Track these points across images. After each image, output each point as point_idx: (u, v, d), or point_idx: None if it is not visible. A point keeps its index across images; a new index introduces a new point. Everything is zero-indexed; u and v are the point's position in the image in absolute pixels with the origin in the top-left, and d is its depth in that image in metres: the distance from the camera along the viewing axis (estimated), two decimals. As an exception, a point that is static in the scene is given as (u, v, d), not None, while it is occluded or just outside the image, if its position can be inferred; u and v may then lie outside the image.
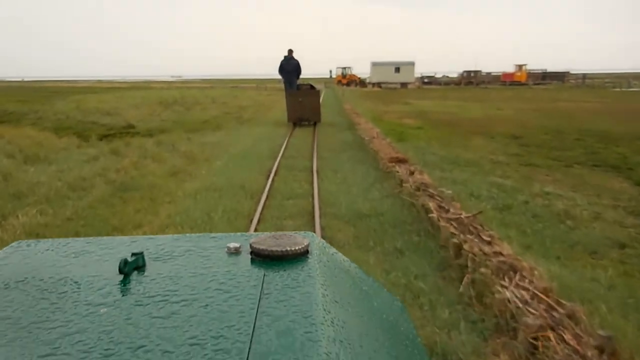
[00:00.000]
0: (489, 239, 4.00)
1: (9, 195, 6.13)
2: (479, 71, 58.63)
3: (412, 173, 6.57)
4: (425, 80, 59.91)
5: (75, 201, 5.98)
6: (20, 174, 7.33)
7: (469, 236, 4.07)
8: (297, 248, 0.79)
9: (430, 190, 5.57)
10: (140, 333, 0.57)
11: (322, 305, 0.64)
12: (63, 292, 0.68)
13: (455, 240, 3.97)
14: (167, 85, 70.39)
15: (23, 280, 0.72)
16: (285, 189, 6.27)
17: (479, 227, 4.33)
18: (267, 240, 0.82)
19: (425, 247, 4.28)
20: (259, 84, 57.90)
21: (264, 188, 6.20)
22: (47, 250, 0.87)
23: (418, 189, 5.69)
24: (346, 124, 14.57)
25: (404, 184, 6.10)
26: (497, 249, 3.68)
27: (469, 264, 3.50)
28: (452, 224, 4.41)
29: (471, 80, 55.84)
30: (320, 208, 5.35)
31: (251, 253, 0.81)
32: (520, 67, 55.21)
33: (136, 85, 71.66)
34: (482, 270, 3.30)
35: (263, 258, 0.79)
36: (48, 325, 0.59)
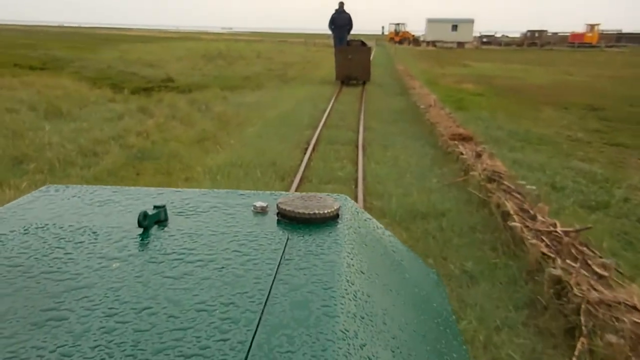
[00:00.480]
0: (602, 271, 2.82)
1: (10, 158, 5.39)
2: (545, 31, 54.25)
3: (479, 155, 5.32)
4: (484, 40, 56.10)
5: (80, 170, 5.17)
6: (33, 132, 6.61)
7: (570, 263, 2.90)
8: (326, 211, 0.74)
9: (506, 184, 4.36)
10: (148, 293, 0.55)
11: (345, 276, 0.61)
12: (79, 242, 0.67)
13: (552, 270, 2.82)
14: (216, 37, 69.56)
15: (43, 227, 0.72)
16: (324, 170, 5.20)
17: (583, 248, 3.14)
18: (296, 201, 0.77)
19: (506, 272, 3.15)
20: (308, 39, 55.98)
21: (299, 167, 5.16)
22: (74, 196, 0.87)
23: (490, 180, 4.49)
24: (398, 87, 13.15)
25: (470, 171, 4.90)
26: (621, 293, 2.51)
27: (582, 318, 2.36)
28: (543, 240, 3.24)
29: (535, 41, 51.76)
30: (364, 200, 4.27)
31: (277, 214, 0.77)
32: (592, 27, 50.56)
33: (185, 36, 71.31)
34: (609, 337, 2.16)
35: (289, 220, 0.75)
36: (57, 277, 0.58)
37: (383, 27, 63.80)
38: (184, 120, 7.99)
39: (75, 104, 9.30)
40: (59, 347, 0.46)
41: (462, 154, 5.48)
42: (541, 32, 53.83)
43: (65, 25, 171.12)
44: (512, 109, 10.75)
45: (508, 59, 31.40)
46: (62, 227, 0.72)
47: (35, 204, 0.83)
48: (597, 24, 50.61)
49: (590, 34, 50.21)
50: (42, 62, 20.58)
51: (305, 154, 5.72)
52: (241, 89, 13.31)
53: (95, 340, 0.47)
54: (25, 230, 0.71)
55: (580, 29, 52.03)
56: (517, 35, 64.82)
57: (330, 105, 9.56)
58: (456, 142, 5.96)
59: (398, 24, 56.63)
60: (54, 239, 0.68)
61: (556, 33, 56.87)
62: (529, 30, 54.55)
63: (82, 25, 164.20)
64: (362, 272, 0.66)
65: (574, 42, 49.91)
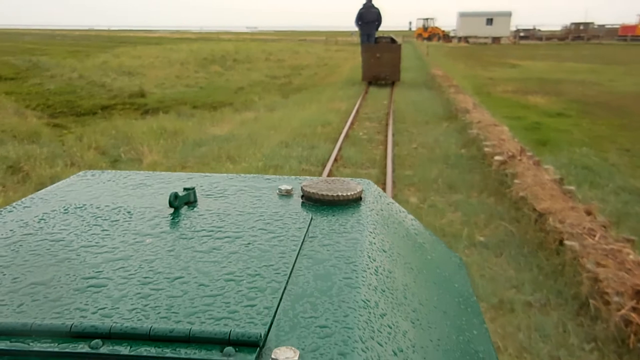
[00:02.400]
0: None
1: None
2: (591, 23, 49.17)
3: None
4: (522, 34, 51.22)
5: None
6: None
7: None
8: (349, 194, 0.76)
9: None
10: (179, 265, 0.58)
11: (367, 252, 0.62)
12: (115, 221, 0.70)
13: None
14: (235, 37, 66.68)
15: (81, 207, 0.75)
16: None
17: None
18: (320, 184, 0.79)
19: None
20: (329, 37, 52.24)
21: None
22: (109, 180, 0.91)
23: None
24: (442, 106, 9.32)
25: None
26: None
27: None
28: None
29: (580, 34, 46.80)
30: None
31: (302, 196, 0.79)
32: (645, 18, 45.22)
33: (204, 37, 68.92)
34: None
35: (314, 202, 0.77)
36: (96, 250, 0.61)
37: (410, 23, 59.62)
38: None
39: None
40: (99, 309, 0.50)
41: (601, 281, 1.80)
42: (587, 24, 48.77)
43: (95, 28, 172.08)
44: (623, 142, 6.88)
45: (559, 55, 27.06)
46: (98, 207, 0.75)
47: (74, 187, 0.87)
48: (652, 14, 45.38)
49: (643, 26, 44.96)
50: (15, 71, 17.74)
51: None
52: (221, 109, 9.75)
53: (132, 304, 0.50)
54: (65, 210, 0.74)
55: (630, 20, 46.72)
56: (557, 28, 59.60)
57: (338, 148, 5.87)
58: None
59: (427, 19, 52.22)
60: (92, 217, 0.72)
61: (603, 25, 51.59)
62: (572, 23, 49.56)
63: (112, 29, 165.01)
64: (384, 250, 0.67)
65: (625, 35, 44.70)
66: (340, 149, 5.85)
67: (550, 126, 7.80)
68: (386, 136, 6.63)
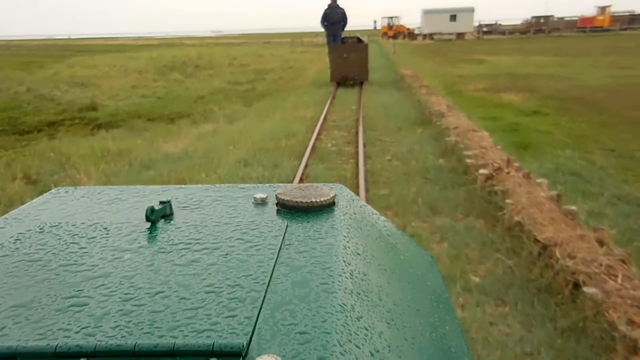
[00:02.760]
0: None
1: None
2: (551, 16, 49.98)
3: None
4: (485, 29, 51.68)
5: None
6: None
7: None
8: (322, 199, 0.77)
9: None
10: (160, 279, 0.58)
11: (342, 257, 0.64)
12: (92, 238, 0.70)
13: None
14: (200, 42, 65.33)
15: (57, 225, 0.75)
16: None
17: None
18: (293, 191, 0.80)
19: None
20: (295, 39, 51.58)
21: None
22: (83, 197, 0.90)
23: None
24: (413, 109, 8.81)
25: None
26: None
27: None
28: None
29: (541, 27, 47.48)
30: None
31: (277, 204, 0.79)
32: (602, 9, 46.25)
33: (168, 42, 67.38)
34: None
35: (288, 209, 0.77)
36: (75, 269, 0.61)
37: (375, 22, 59.43)
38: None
39: None
40: (82, 328, 0.50)
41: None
42: (547, 17, 49.54)
43: (55, 37, 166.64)
44: (606, 141, 6.51)
45: (523, 49, 27.14)
46: (74, 225, 0.75)
47: (47, 205, 0.86)
48: (608, 6, 46.28)
49: (601, 17, 45.83)
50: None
51: None
52: (178, 121, 9.03)
53: (115, 322, 0.50)
54: (40, 229, 0.74)
55: (586, 12, 47.71)
56: (518, 22, 60.57)
57: (304, 165, 5.25)
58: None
59: (391, 18, 52.13)
60: (68, 235, 0.71)
61: (562, 18, 52.53)
62: (533, 17, 50.24)
63: (72, 37, 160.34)
64: (358, 253, 0.68)
65: (584, 27, 45.52)
66: (306, 166, 5.23)
67: (528, 126, 7.37)
68: (357, 147, 6.06)
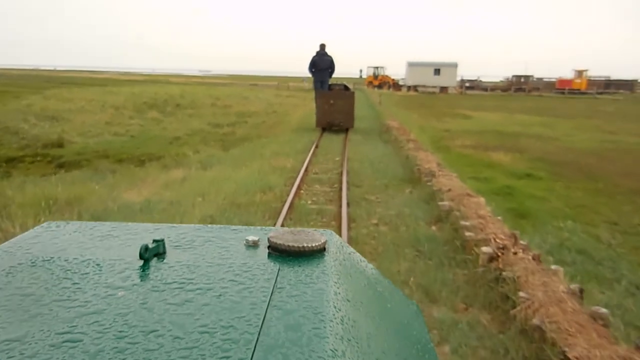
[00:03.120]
0: None
1: None
2: (530, 76, 51.49)
3: None
4: (467, 84, 52.91)
5: None
6: None
7: None
8: (314, 245, 0.78)
9: None
10: (153, 318, 0.58)
11: (333, 302, 0.65)
12: (85, 274, 0.69)
13: None
14: (186, 80, 65.52)
15: (49, 260, 0.74)
16: None
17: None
18: (285, 235, 0.80)
19: None
20: (281, 82, 51.92)
21: None
22: (75, 232, 0.89)
23: None
24: (401, 165, 8.32)
25: None
26: None
27: None
28: None
29: (522, 86, 48.75)
30: None
31: (269, 247, 0.80)
32: (580, 73, 47.88)
33: (154, 79, 67.37)
34: None
35: (280, 252, 0.78)
36: (68, 304, 0.61)
37: (361, 71, 60.37)
38: None
39: None
40: None
41: None
42: (527, 77, 51.02)
43: (41, 68, 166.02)
44: (607, 213, 6.04)
45: (506, 107, 27.48)
46: (67, 260, 0.74)
47: (39, 238, 0.86)
48: (585, 70, 47.96)
49: (578, 80, 47.34)
50: None
51: None
52: (148, 163, 8.36)
53: (110, 359, 0.51)
54: (32, 263, 0.73)
55: (563, 74, 49.33)
56: (498, 79, 62.41)
57: (279, 225, 4.60)
58: None
59: (377, 67, 53.05)
60: (61, 270, 0.70)
61: (541, 79, 54.22)
62: (514, 76, 51.72)
63: (58, 68, 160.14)
64: (348, 300, 0.69)
65: (562, 88, 46.85)
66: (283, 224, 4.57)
67: (523, 191, 6.90)
68: (340, 206, 5.45)
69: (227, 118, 15.56)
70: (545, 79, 54.45)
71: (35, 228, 0.91)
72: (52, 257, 0.75)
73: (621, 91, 47.15)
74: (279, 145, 9.82)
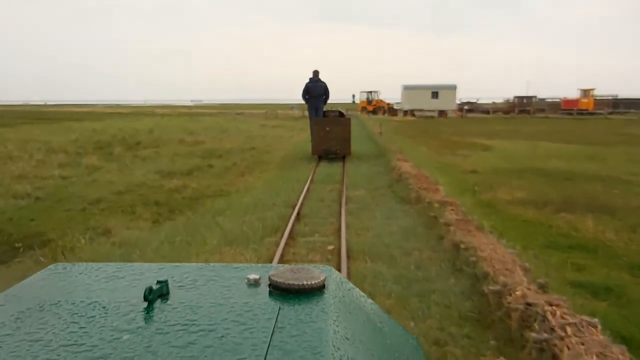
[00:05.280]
0: None
1: None
2: (534, 97, 48.74)
3: None
4: (466, 107, 50.02)
5: None
6: None
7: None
8: (313, 282, 0.79)
9: None
10: None
11: (332, 342, 0.65)
12: (91, 317, 0.71)
13: None
14: (172, 111, 62.55)
15: (56, 303, 0.75)
16: None
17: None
18: (286, 273, 0.82)
19: None
20: (271, 110, 48.79)
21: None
22: (81, 274, 0.90)
23: None
24: (453, 269, 4.79)
25: None
26: None
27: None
28: None
29: (526, 108, 45.92)
30: None
31: (269, 285, 0.81)
32: (586, 92, 45.18)
33: (139, 111, 64.49)
34: None
35: (281, 291, 0.79)
36: (75, 349, 0.62)
37: (354, 96, 57.33)
38: None
39: None
40: None
41: None
42: (529, 98, 48.27)
43: (30, 103, 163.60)
44: None
45: (520, 132, 24.37)
46: (74, 303, 0.75)
47: (46, 281, 0.87)
48: (592, 89, 45.25)
49: (585, 100, 44.56)
50: None
51: None
52: (23, 254, 4.88)
53: None
54: (40, 307, 0.74)
55: (561, 94, 46.62)
56: (497, 101, 59.75)
57: None
58: None
59: (370, 92, 50.15)
60: (68, 314, 0.72)
61: (544, 99, 51.51)
62: (516, 96, 48.93)
63: (48, 103, 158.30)
64: (347, 338, 0.70)
65: (570, 109, 43.98)
66: None
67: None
68: None
69: (189, 161, 12.11)
70: (547, 99, 51.78)
71: (43, 271, 0.92)
72: (59, 301, 0.76)
73: (632, 110, 44.29)
74: (240, 214, 6.33)
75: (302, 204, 6.85)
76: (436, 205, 5.90)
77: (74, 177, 9.85)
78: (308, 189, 7.96)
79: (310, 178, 8.98)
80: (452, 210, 5.59)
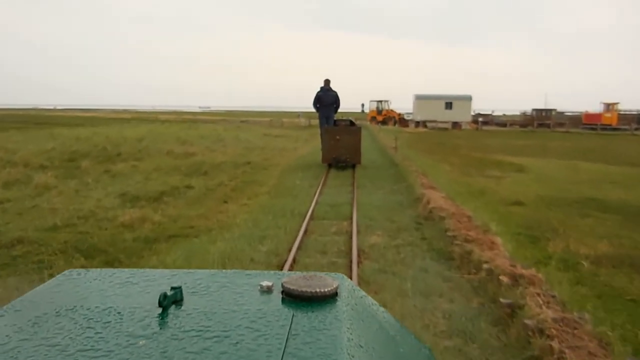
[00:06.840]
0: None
1: None
2: (553, 110, 46.35)
3: None
4: (481, 119, 47.64)
5: None
6: None
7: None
8: (326, 290, 0.78)
9: None
10: None
11: (346, 349, 0.64)
12: (107, 322, 0.71)
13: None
14: (176, 117, 60.71)
15: (72, 309, 0.76)
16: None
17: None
18: (298, 281, 0.81)
19: None
20: (276, 118, 46.75)
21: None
22: (95, 279, 0.90)
23: None
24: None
25: None
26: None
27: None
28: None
29: (545, 121, 43.50)
30: None
31: (282, 292, 0.80)
32: (609, 106, 42.76)
33: (141, 116, 62.80)
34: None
35: (293, 298, 0.79)
36: (92, 354, 0.62)
37: (363, 105, 55.03)
38: None
39: None
40: None
41: None
42: (549, 111, 45.88)
43: (40, 107, 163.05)
44: None
45: (546, 148, 22.15)
46: (89, 309, 0.75)
47: (62, 287, 0.86)
48: (616, 103, 42.78)
49: (608, 115, 42.06)
50: None
51: None
52: None
53: None
54: (57, 312, 0.74)
55: (579, 107, 44.16)
56: (513, 113, 57.38)
57: None
58: None
59: (380, 101, 47.93)
60: (84, 319, 0.72)
61: (563, 112, 49.04)
62: (534, 109, 46.59)
63: (57, 107, 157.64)
64: (360, 345, 0.69)
65: (594, 124, 41.41)
66: None
67: None
68: None
69: (167, 179, 9.97)
70: (567, 113, 49.31)
71: (58, 276, 0.92)
72: (75, 306, 0.76)
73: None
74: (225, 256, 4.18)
75: (294, 260, 4.68)
76: (505, 279, 3.68)
77: (12, 201, 7.75)
78: (305, 230, 5.79)
79: (310, 210, 6.82)
80: (536, 293, 3.36)
